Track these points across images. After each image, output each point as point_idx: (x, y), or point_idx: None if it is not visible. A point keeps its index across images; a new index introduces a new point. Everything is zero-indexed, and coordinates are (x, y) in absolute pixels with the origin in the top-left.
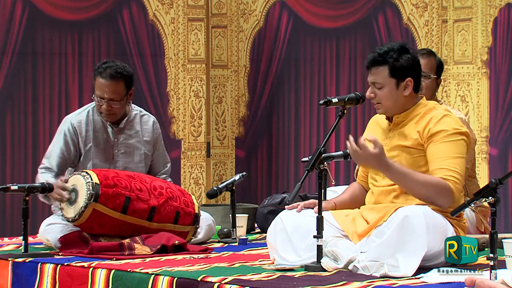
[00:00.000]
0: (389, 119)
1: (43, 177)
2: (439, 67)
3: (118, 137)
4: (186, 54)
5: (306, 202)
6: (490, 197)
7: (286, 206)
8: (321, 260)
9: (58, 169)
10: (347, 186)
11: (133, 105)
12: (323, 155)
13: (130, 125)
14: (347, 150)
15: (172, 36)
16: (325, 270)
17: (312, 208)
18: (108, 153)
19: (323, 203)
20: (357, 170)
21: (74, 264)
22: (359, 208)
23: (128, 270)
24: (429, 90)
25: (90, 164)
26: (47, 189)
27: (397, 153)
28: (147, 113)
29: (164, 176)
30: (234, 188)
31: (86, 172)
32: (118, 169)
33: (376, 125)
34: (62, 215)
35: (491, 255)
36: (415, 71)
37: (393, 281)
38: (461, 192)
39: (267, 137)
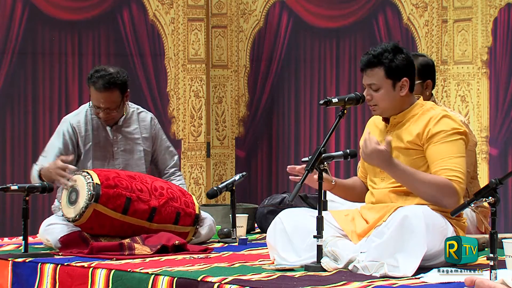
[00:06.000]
0: (386, 120)
1: (38, 166)
2: (420, 70)
3: (117, 135)
4: (186, 54)
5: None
6: (490, 197)
7: (288, 167)
8: (321, 260)
9: None
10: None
11: (129, 102)
12: (323, 155)
13: (128, 122)
14: (347, 150)
15: (172, 36)
16: (325, 270)
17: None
18: (108, 151)
19: (323, 177)
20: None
21: (74, 264)
22: (356, 201)
23: (128, 270)
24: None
25: (90, 163)
26: (47, 189)
27: (395, 154)
28: (144, 110)
29: (174, 169)
30: (234, 188)
31: (87, 173)
32: (118, 166)
33: (374, 126)
34: (62, 215)
35: (491, 255)
36: (410, 71)
37: (393, 281)
38: (464, 191)
39: (267, 137)
